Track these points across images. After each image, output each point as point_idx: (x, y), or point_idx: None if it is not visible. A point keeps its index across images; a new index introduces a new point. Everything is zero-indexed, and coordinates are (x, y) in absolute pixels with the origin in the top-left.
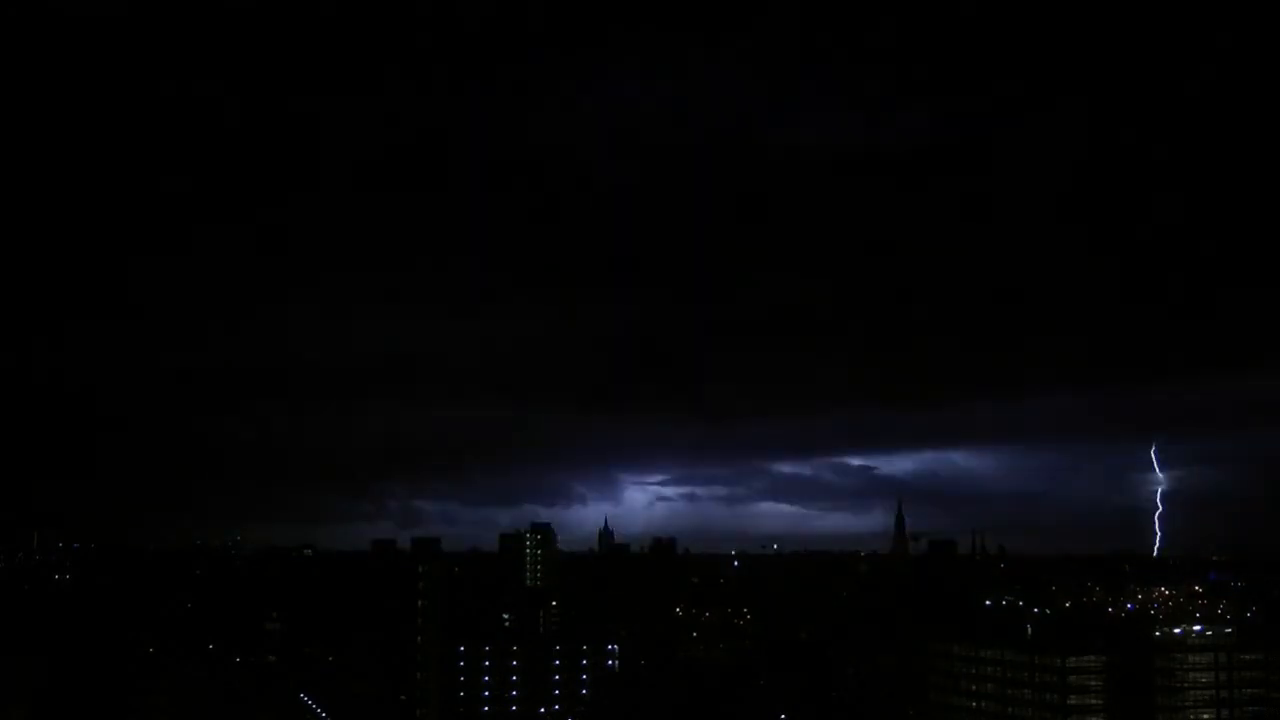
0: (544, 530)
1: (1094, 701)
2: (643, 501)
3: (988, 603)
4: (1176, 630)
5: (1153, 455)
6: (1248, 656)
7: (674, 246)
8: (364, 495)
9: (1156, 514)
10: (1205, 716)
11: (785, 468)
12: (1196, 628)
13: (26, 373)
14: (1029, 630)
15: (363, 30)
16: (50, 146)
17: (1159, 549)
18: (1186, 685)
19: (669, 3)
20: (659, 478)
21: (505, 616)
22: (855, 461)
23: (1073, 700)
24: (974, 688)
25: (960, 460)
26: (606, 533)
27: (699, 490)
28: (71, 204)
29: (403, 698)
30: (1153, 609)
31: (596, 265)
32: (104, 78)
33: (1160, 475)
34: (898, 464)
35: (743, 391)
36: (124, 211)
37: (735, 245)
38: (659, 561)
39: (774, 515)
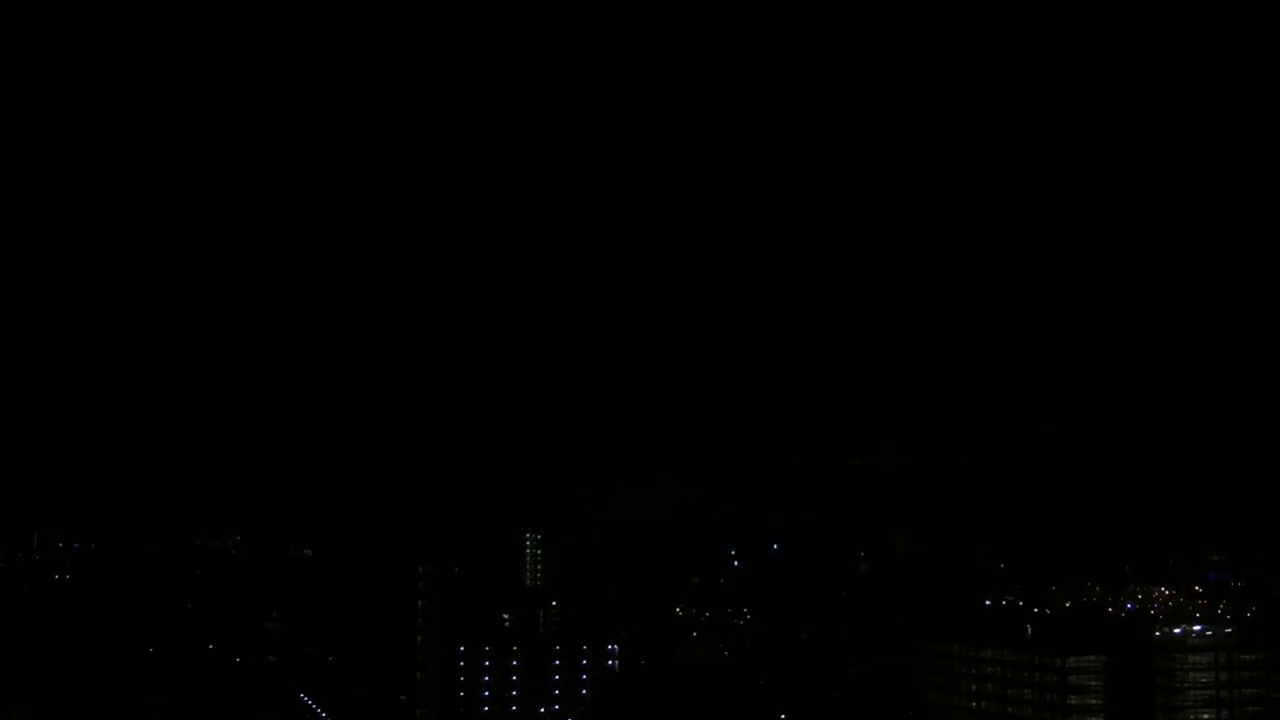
0: (544, 530)
1: (1094, 701)
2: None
3: (988, 603)
4: (1176, 630)
5: None
6: (1248, 656)
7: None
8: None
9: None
10: (1205, 716)
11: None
12: (1196, 628)
13: (25, 371)
14: (1029, 630)
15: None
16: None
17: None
18: (1186, 685)
19: None
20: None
21: (505, 616)
22: (856, 460)
23: (1073, 700)
24: (974, 688)
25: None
26: (607, 533)
27: (699, 490)
28: (67, 201)
29: (403, 698)
30: (1153, 609)
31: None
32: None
33: None
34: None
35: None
36: (123, 208)
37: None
38: (659, 561)
39: (774, 515)
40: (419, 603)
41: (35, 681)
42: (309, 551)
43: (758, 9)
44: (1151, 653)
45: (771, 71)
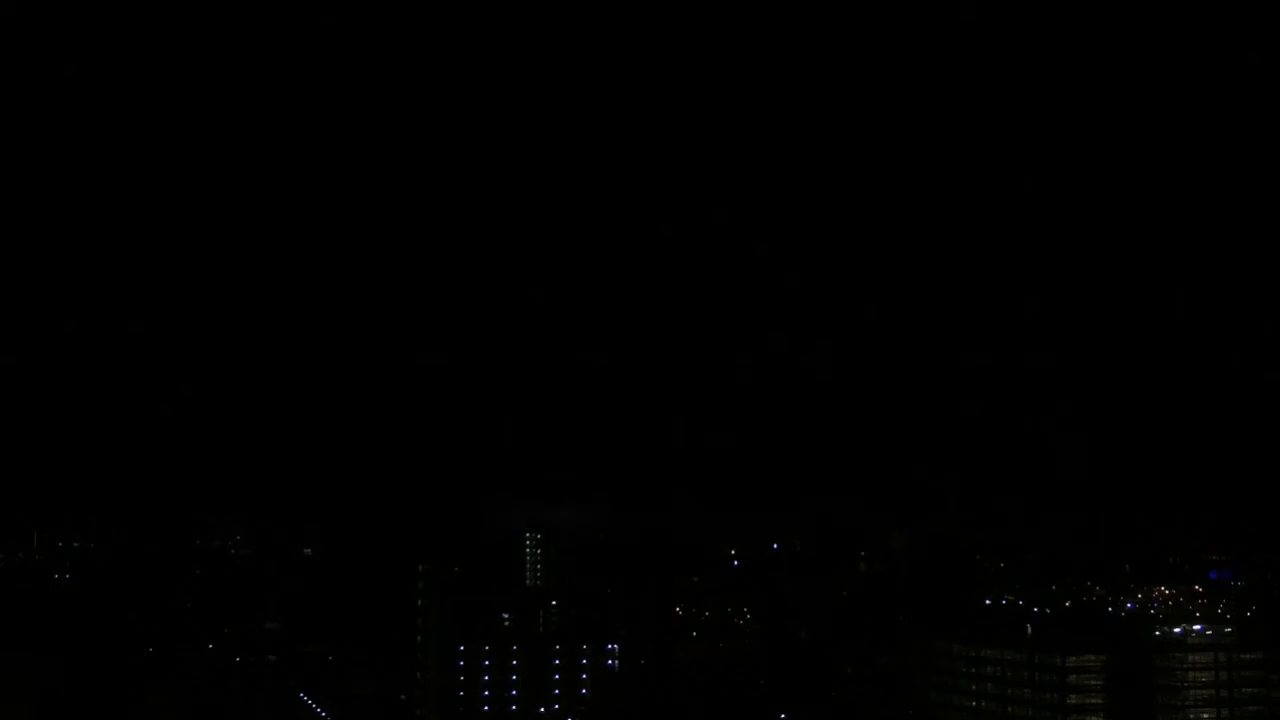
0: (544, 530)
1: (1094, 701)
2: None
3: (988, 602)
4: (1176, 630)
5: None
6: (1248, 656)
7: None
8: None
9: None
10: (1205, 716)
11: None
12: (1196, 627)
13: (24, 371)
14: (1029, 630)
15: None
16: None
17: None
18: (1186, 685)
19: None
20: None
21: (505, 616)
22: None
23: (1073, 700)
24: (974, 688)
25: None
26: (607, 532)
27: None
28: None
29: (403, 697)
30: (1153, 609)
31: None
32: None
33: None
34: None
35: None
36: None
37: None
38: (659, 561)
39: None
40: (419, 603)
41: (35, 681)
42: (309, 551)
43: None
44: (1151, 653)
45: None
